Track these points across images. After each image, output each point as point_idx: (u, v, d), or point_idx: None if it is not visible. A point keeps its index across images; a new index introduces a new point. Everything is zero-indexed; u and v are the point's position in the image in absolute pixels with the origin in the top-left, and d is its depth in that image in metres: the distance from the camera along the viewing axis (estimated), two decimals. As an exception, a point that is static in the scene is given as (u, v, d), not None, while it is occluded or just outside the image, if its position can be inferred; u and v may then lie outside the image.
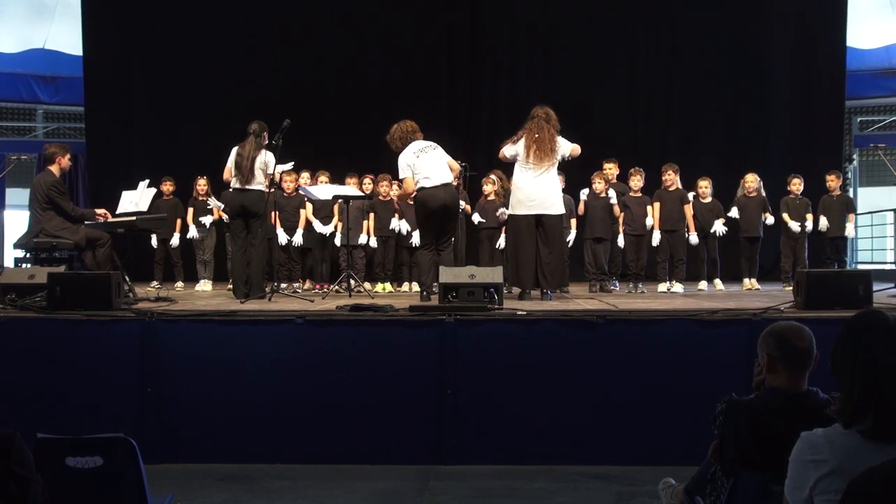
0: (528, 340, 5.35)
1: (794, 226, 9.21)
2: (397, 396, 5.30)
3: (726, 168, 10.62)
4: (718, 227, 9.01)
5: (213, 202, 9.41)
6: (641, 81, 12.10)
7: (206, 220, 9.64)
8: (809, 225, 9.23)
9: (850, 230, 9.40)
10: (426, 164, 7.04)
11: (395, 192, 9.27)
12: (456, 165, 7.30)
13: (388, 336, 5.38)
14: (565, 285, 7.99)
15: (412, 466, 5.15)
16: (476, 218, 8.92)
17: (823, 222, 9.18)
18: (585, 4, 12.04)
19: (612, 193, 8.82)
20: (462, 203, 8.75)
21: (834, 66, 11.82)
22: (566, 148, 7.24)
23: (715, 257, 9.18)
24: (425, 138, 7.29)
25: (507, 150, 7.31)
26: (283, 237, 9.07)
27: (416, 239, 8.72)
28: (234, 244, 7.71)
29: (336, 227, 9.15)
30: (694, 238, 8.86)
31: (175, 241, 9.67)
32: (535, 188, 7.14)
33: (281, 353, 5.38)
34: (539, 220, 7.20)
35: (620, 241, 8.89)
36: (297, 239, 9.15)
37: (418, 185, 7.07)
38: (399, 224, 9.15)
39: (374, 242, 9.19)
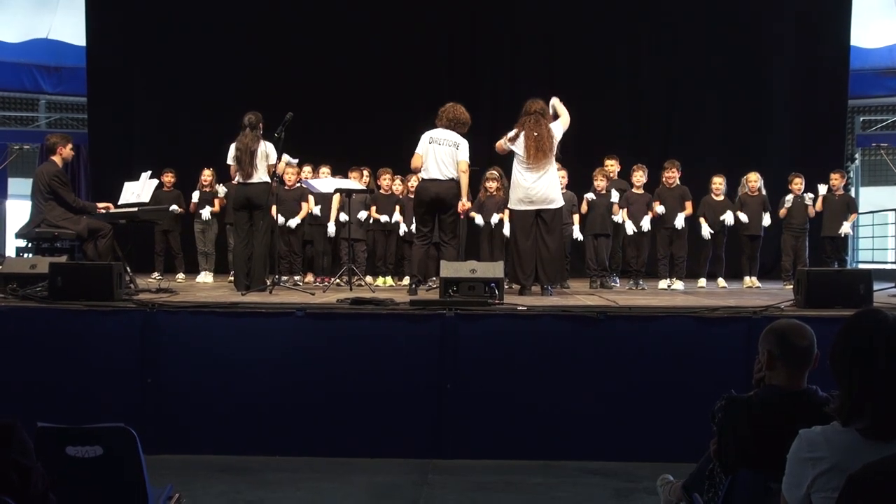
0: (528, 336, 5.36)
1: (789, 197, 9.29)
2: (397, 390, 5.32)
3: (728, 166, 10.59)
4: (729, 217, 9.00)
5: (222, 189, 9.45)
6: (643, 78, 12.08)
7: (205, 212, 9.63)
8: (810, 200, 9.27)
9: (845, 228, 9.37)
10: (430, 157, 7.11)
11: (397, 185, 9.28)
12: (465, 168, 7.26)
13: (388, 330, 5.39)
14: (564, 279, 8.01)
15: (411, 460, 5.16)
16: (479, 220, 8.83)
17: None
18: (587, 1, 12.02)
19: (614, 195, 8.80)
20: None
21: (837, 65, 11.79)
22: (561, 131, 7.25)
23: (720, 254, 9.17)
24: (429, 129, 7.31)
25: (505, 145, 7.33)
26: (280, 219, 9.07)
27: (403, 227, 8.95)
28: (236, 236, 7.73)
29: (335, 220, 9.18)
30: (679, 221, 8.81)
31: (174, 208, 9.61)
32: (536, 185, 7.16)
33: (281, 346, 5.39)
34: (539, 214, 7.21)
35: (630, 228, 8.80)
36: (331, 230, 9.18)
37: (420, 174, 7.26)
38: (399, 217, 9.15)
39: (363, 215, 9.17)
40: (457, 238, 7.47)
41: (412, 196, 8.07)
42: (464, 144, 7.17)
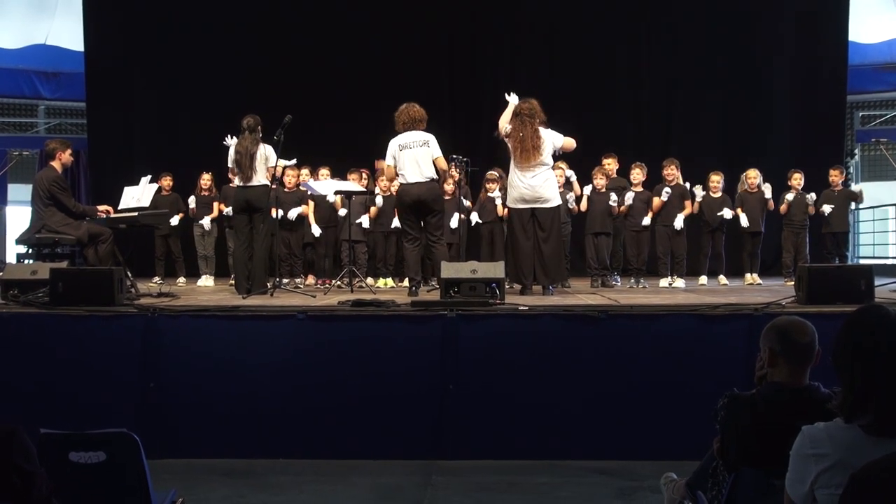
0: (529, 335, 5.35)
1: (790, 196, 9.29)
2: (399, 391, 5.31)
3: (728, 164, 10.59)
4: (727, 213, 8.99)
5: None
6: (643, 76, 12.08)
7: (206, 221, 9.63)
8: (811, 200, 9.27)
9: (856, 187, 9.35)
10: (405, 161, 7.16)
11: (395, 186, 9.27)
12: (443, 164, 7.31)
13: (389, 331, 5.38)
14: (563, 279, 8.01)
15: (414, 461, 5.16)
16: (474, 218, 8.90)
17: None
18: (587, 1, 12.02)
19: (613, 197, 8.79)
20: (465, 201, 8.77)
21: (836, 61, 11.80)
22: (555, 141, 7.26)
23: (720, 252, 9.16)
24: (427, 130, 7.32)
25: (503, 130, 7.32)
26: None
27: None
28: (236, 239, 7.74)
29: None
30: (679, 222, 8.76)
31: (175, 220, 9.60)
32: (528, 185, 7.18)
33: (283, 349, 5.38)
34: (534, 214, 7.22)
35: (629, 198, 8.75)
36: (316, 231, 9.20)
37: (398, 180, 7.31)
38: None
39: (365, 223, 9.18)
40: (444, 235, 7.50)
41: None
42: (433, 140, 7.22)
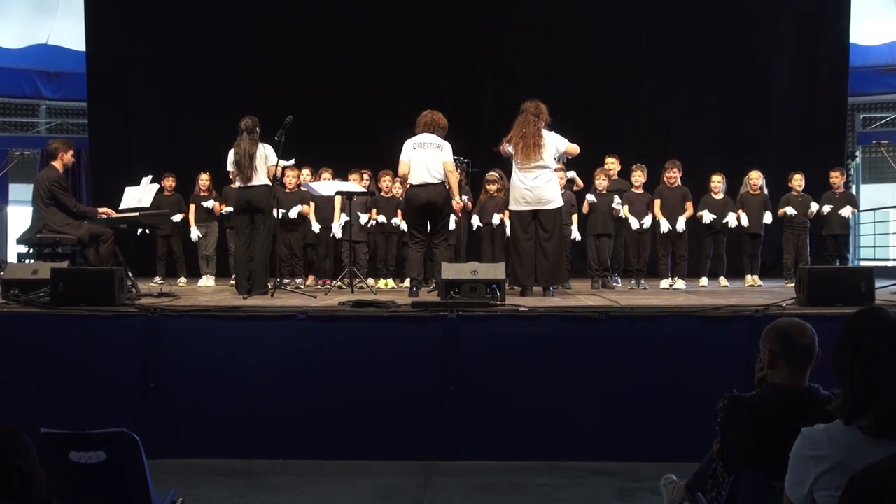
0: (530, 336, 5.35)
1: (791, 210, 9.28)
2: (399, 392, 5.31)
3: (729, 166, 10.60)
4: (731, 219, 8.99)
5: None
6: (643, 76, 12.09)
7: (208, 204, 9.63)
8: (815, 208, 9.27)
9: (846, 212, 9.31)
10: (416, 162, 7.20)
11: (397, 187, 9.27)
12: (451, 167, 7.32)
13: (390, 332, 5.38)
14: (564, 280, 8.00)
15: (414, 462, 5.15)
16: (475, 221, 8.90)
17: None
18: (587, 1, 12.03)
19: (616, 200, 8.78)
20: (465, 198, 8.78)
21: (837, 62, 11.81)
22: (559, 143, 7.26)
23: (721, 253, 9.15)
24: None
25: (505, 148, 7.38)
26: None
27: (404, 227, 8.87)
28: (237, 240, 7.75)
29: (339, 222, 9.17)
30: (680, 224, 8.74)
31: (177, 218, 9.61)
32: (530, 185, 7.18)
33: (283, 349, 5.38)
34: (536, 215, 7.22)
35: (634, 223, 8.75)
36: (337, 230, 9.16)
37: (408, 181, 7.36)
38: (401, 222, 9.14)
39: (364, 219, 9.17)
40: (447, 240, 7.53)
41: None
42: (447, 146, 7.29)
